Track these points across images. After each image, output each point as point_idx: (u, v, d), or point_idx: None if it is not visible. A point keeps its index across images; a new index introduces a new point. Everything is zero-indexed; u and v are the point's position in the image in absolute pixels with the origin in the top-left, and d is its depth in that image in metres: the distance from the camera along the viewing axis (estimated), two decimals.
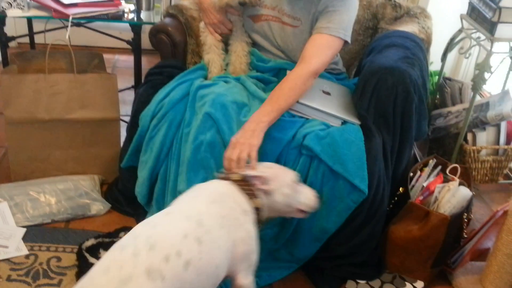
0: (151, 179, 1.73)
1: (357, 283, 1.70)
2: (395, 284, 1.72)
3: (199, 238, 1.15)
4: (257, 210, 1.34)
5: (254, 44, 1.89)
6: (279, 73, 1.84)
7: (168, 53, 1.95)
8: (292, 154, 1.60)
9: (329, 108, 1.65)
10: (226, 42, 1.88)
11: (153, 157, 1.70)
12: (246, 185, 1.34)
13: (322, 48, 1.63)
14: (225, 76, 1.80)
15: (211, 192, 1.31)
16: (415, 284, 1.72)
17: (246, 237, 1.28)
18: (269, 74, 1.85)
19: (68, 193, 1.92)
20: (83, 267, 1.61)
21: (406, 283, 1.73)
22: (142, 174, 1.74)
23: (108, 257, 1.09)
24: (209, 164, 1.57)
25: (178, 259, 1.09)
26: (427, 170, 1.80)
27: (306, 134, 1.59)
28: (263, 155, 1.58)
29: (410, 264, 1.73)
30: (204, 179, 1.55)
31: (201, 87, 1.69)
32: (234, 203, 1.29)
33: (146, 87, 1.84)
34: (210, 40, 1.84)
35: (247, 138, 1.46)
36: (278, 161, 1.60)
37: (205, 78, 1.83)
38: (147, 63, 2.91)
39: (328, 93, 1.73)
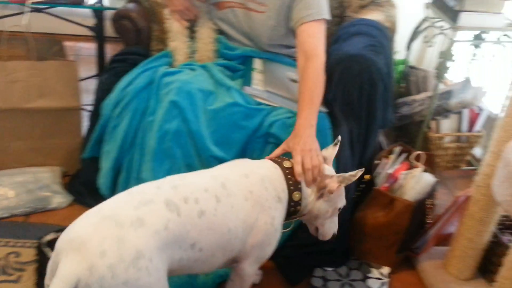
0: (114, 169, 1.68)
1: (325, 270, 1.71)
2: (362, 270, 1.74)
3: (218, 197, 1.20)
4: (295, 204, 1.33)
5: (221, 32, 1.85)
6: (246, 60, 1.81)
7: (132, 40, 1.90)
8: (259, 143, 1.58)
9: (296, 96, 1.63)
10: (192, 29, 1.84)
11: (117, 147, 1.65)
12: (293, 175, 1.33)
13: (317, 36, 1.61)
14: (191, 63, 1.76)
15: (248, 168, 1.32)
16: (381, 270, 1.75)
17: (269, 224, 1.27)
18: (236, 62, 1.82)
19: (27, 185, 1.85)
20: (43, 262, 1.55)
21: (373, 269, 1.75)
22: (105, 164, 1.69)
23: (134, 187, 1.18)
24: (175, 154, 1.53)
25: (195, 204, 1.15)
26: (392, 157, 1.82)
27: (273, 122, 1.57)
28: (229, 145, 1.56)
29: (376, 250, 1.75)
30: (169, 169, 1.52)
31: (166, 74, 1.65)
32: (271, 186, 1.29)
33: (109, 74, 1.78)
34: (175, 28, 1.80)
35: (310, 145, 1.42)
36: (245, 150, 1.58)
37: (170, 65, 1.79)
38: (111, 51, 2.83)
39: (295, 81, 1.72)
